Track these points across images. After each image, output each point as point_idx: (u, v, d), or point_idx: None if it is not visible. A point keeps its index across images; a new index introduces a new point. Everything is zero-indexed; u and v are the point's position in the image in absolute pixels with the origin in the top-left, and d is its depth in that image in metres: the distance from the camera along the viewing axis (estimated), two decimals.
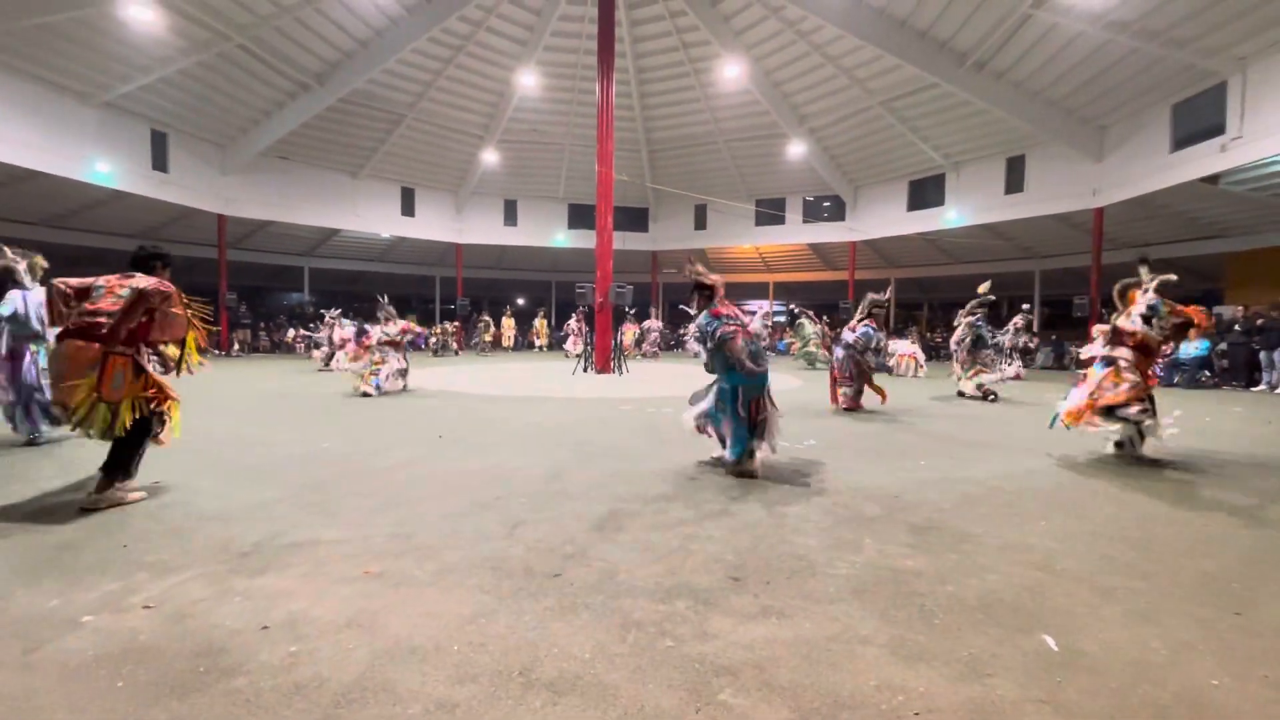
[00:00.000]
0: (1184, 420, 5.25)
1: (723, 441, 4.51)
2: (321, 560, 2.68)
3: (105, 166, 14.95)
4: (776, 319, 27.30)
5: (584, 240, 22.12)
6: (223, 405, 7.55)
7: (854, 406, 7.66)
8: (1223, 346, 12.13)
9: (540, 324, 22.96)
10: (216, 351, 18.61)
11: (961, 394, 9.14)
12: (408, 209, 22.45)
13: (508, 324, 22.16)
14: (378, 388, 8.72)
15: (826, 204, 22.72)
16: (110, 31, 13.15)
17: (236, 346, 19.38)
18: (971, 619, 2.21)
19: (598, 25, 13.51)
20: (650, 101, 20.06)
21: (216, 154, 18.05)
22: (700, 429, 4.61)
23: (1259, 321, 11.17)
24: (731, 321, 4.28)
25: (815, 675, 1.88)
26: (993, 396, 8.85)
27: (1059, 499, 3.78)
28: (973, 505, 3.64)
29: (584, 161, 20.61)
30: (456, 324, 21.73)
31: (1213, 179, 12.38)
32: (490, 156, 21.19)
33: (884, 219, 20.82)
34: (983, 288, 8.91)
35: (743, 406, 4.27)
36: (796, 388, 10.62)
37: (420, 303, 29.70)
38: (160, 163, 16.48)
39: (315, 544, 2.86)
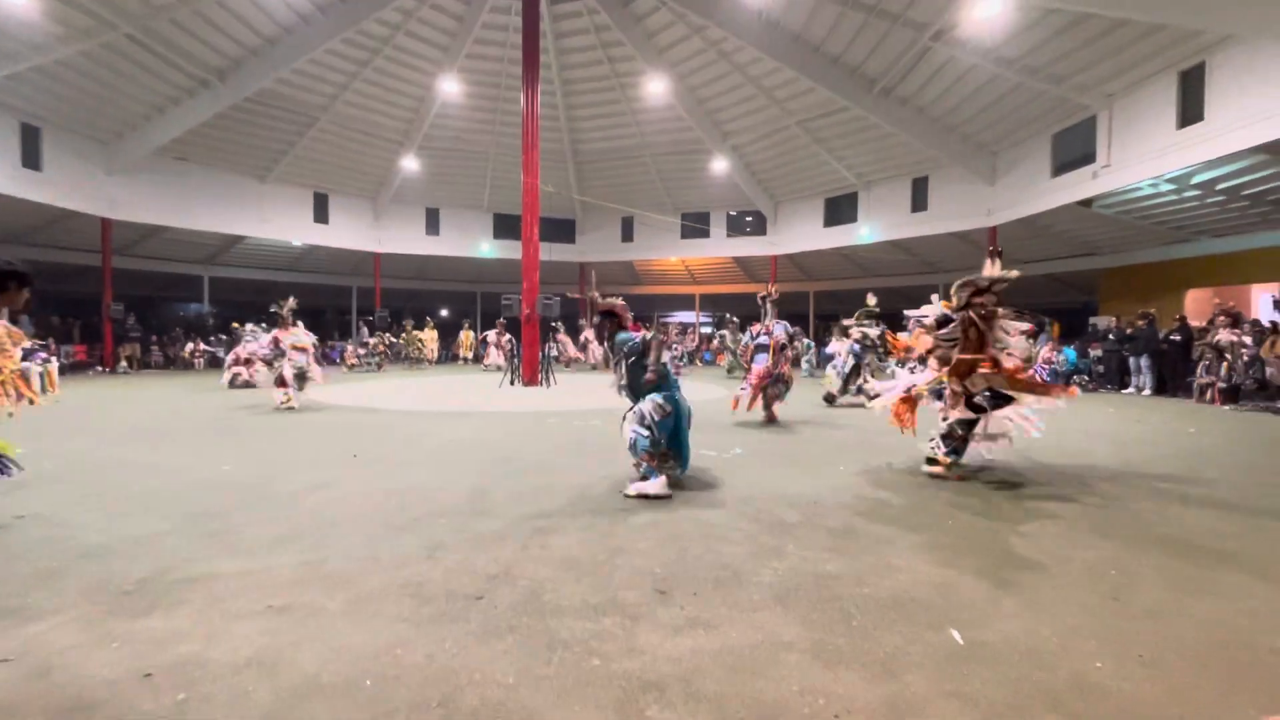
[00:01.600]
0: (1068, 421, 5.73)
1: (666, 464, 4.40)
2: (218, 596, 2.47)
3: None
4: (703, 328, 27.89)
5: (510, 251, 21.79)
6: (104, 427, 6.87)
7: (773, 416, 7.73)
8: (1098, 354, 13.40)
9: (465, 336, 22.35)
10: (100, 368, 16.95)
11: (830, 398, 9.54)
12: (321, 215, 21.38)
13: (430, 336, 21.44)
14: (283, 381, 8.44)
15: (749, 219, 23.49)
16: None
17: (123, 363, 17.63)
18: (886, 618, 2.31)
19: (522, 35, 13.42)
20: (577, 114, 20.10)
21: (100, 152, 16.51)
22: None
23: (1128, 331, 12.42)
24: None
25: (740, 684, 1.91)
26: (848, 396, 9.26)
27: (964, 499, 4.03)
28: (886, 507, 3.83)
29: (509, 171, 20.34)
30: (388, 335, 20.49)
31: (1087, 202, 13.72)
32: (411, 163, 20.54)
33: (802, 234, 21.72)
34: (870, 299, 9.36)
35: (677, 419, 4.29)
36: (722, 397, 10.86)
37: (336, 314, 28.33)
38: (32, 160, 14.89)
39: (211, 578, 2.64)
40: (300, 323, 8.93)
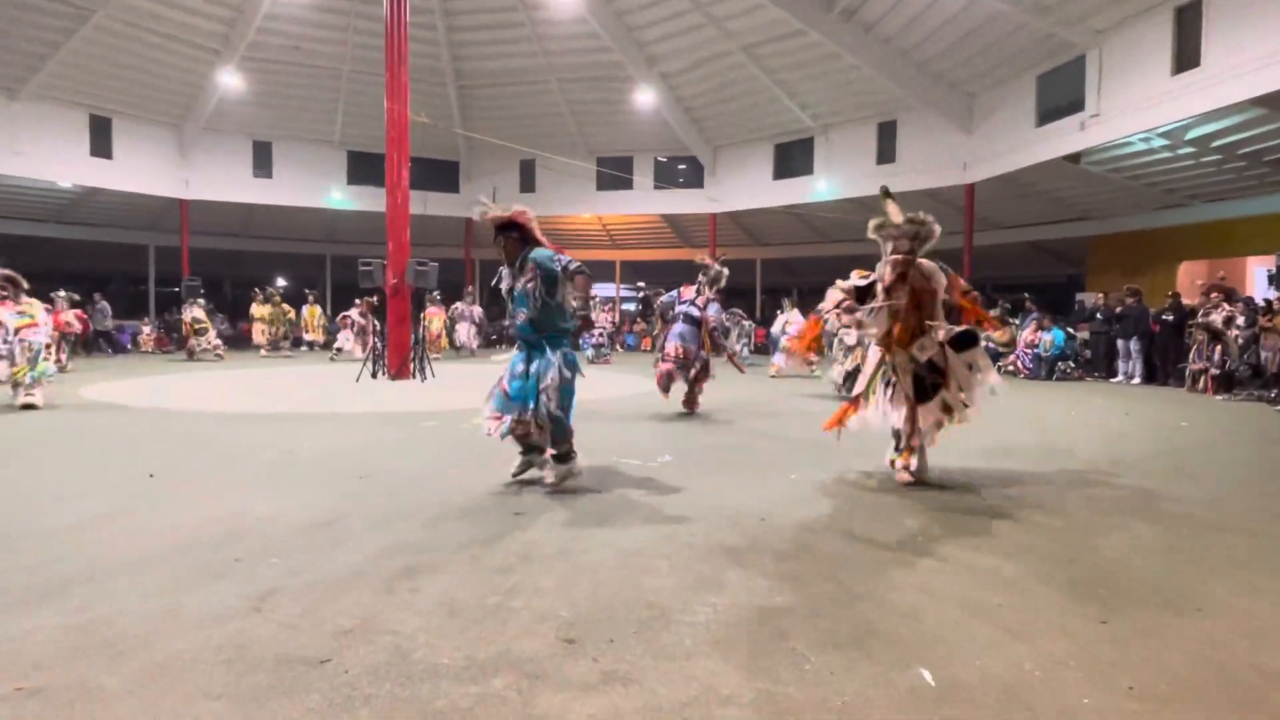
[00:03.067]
0: (1054, 415, 6.17)
1: (532, 449, 4.58)
2: None
3: None
4: (625, 307, 28.04)
5: (371, 201, 20.92)
6: None
7: (694, 406, 7.87)
8: (1084, 336, 14.52)
9: (311, 313, 21.32)
10: None
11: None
12: (102, 147, 19.78)
13: (260, 312, 20.38)
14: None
15: (681, 166, 23.73)
16: None
17: None
18: (846, 659, 2.39)
19: None
20: (459, 21, 19.53)
21: None
22: (523, 433, 4.55)
23: (1117, 309, 13.53)
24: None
25: None
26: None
27: (936, 511, 4.25)
28: (847, 519, 3.98)
29: (369, 95, 19.48)
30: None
31: (1074, 158, 14.80)
32: (231, 79, 19.35)
33: (747, 187, 22.21)
34: (715, 257, 8.71)
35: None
36: (649, 391, 10.96)
37: (128, 282, 26.43)
38: None
39: None
40: (26, 294, 8.40)
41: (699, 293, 7.83)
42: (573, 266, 4.36)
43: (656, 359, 7.91)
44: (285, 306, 19.78)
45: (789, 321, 14.04)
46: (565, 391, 4.47)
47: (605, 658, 2.38)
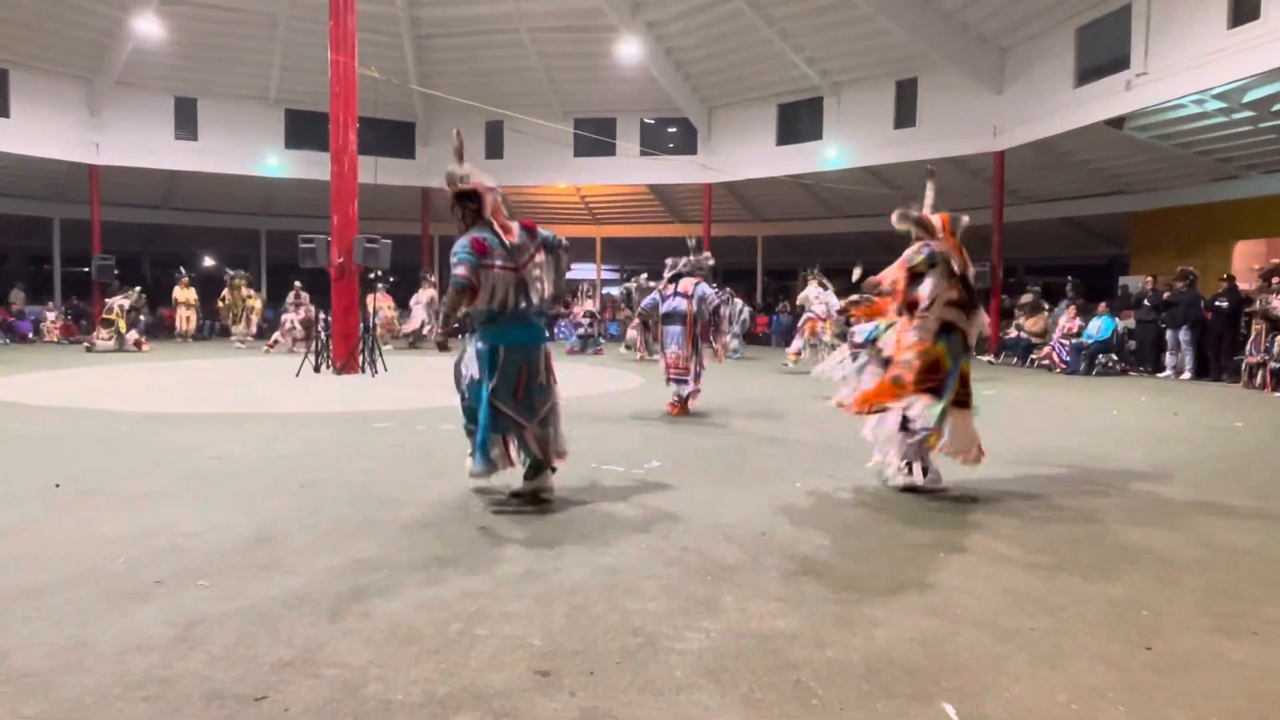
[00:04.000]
0: (1092, 415, 6.24)
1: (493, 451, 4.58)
2: None
3: None
4: (608, 291, 27.99)
5: (313, 168, 20.77)
6: None
7: (683, 408, 7.95)
8: (1130, 324, 14.68)
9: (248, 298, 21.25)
10: None
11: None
12: None
13: (183, 296, 20.21)
14: None
15: (671, 130, 23.68)
16: None
17: None
18: (858, 692, 2.41)
19: None
20: None
21: None
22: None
23: (1165, 295, 13.69)
24: (492, 254, 4.39)
25: None
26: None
27: (959, 522, 4.29)
28: (858, 537, 4.00)
29: (310, 45, 19.32)
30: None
31: (1117, 122, 14.89)
32: (149, 26, 19.10)
33: (747, 154, 22.18)
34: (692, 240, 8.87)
35: (503, 379, 4.39)
36: (636, 387, 10.97)
37: (29, 260, 26.15)
38: None
39: None
40: None
41: (672, 281, 8.04)
42: (556, 240, 4.58)
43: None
44: (248, 292, 19.84)
45: (814, 299, 13.71)
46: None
47: (584, 692, 2.38)
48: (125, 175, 21.72)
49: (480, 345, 4.53)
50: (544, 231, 4.70)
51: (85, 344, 17.39)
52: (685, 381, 7.82)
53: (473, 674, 2.49)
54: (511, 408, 4.45)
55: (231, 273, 20.29)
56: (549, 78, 22.32)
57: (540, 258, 4.59)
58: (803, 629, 2.85)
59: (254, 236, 26.93)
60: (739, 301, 9.62)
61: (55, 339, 20.05)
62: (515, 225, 4.59)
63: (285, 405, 9.01)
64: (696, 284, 7.84)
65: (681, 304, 7.75)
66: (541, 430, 4.56)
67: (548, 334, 4.73)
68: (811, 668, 2.55)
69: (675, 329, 7.76)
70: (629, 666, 2.55)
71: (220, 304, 20.02)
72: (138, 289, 18.20)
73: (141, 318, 18.44)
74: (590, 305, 20.84)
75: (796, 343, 13.69)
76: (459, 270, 4.35)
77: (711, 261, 8.14)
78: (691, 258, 8.04)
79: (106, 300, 17.91)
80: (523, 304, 4.48)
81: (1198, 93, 13.03)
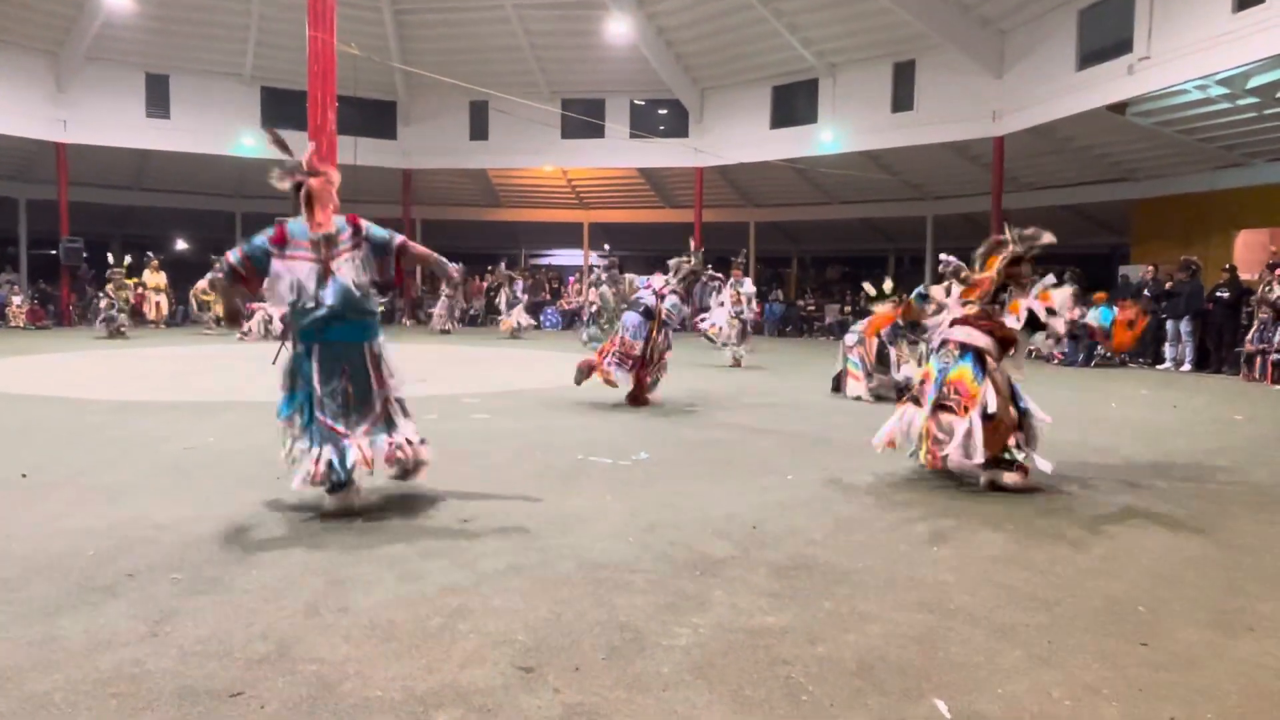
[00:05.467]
0: (1090, 408, 6.26)
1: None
2: None
3: None
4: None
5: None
6: None
7: (642, 398, 8.07)
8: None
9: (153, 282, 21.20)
10: None
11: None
12: None
13: (154, 281, 20.07)
14: None
15: (662, 112, 23.61)
16: None
17: None
18: (849, 688, 2.43)
19: None
20: None
21: None
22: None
23: (1167, 285, 13.77)
24: (292, 243, 4.22)
25: None
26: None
27: (955, 516, 4.32)
28: (850, 531, 4.02)
29: (287, 20, 19.16)
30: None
31: (1120, 107, 14.95)
32: (120, 0, 18.89)
33: (740, 137, 22.16)
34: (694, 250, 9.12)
35: (322, 380, 4.14)
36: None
37: None
38: None
39: None
40: None
41: (667, 283, 8.25)
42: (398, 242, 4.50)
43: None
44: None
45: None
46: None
47: (569, 689, 2.39)
48: (94, 154, 21.56)
49: (299, 345, 4.32)
50: (377, 230, 4.42)
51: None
52: (625, 369, 7.91)
53: (454, 670, 2.50)
54: (330, 415, 4.14)
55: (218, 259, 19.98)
56: (536, 56, 22.21)
57: (360, 253, 4.29)
58: (793, 625, 2.87)
59: (228, 219, 26.69)
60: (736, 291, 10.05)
61: (20, 324, 19.88)
62: (338, 218, 4.39)
63: (258, 394, 8.95)
64: (673, 292, 8.08)
65: (651, 299, 7.96)
66: (369, 441, 4.18)
67: (380, 332, 4.43)
68: (802, 664, 2.56)
69: (636, 319, 7.94)
70: (615, 663, 2.56)
71: (206, 297, 19.48)
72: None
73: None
74: (593, 295, 20.71)
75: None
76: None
77: (707, 275, 8.41)
78: (692, 261, 8.38)
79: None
80: (328, 298, 4.14)
81: (1201, 78, 13.08)
